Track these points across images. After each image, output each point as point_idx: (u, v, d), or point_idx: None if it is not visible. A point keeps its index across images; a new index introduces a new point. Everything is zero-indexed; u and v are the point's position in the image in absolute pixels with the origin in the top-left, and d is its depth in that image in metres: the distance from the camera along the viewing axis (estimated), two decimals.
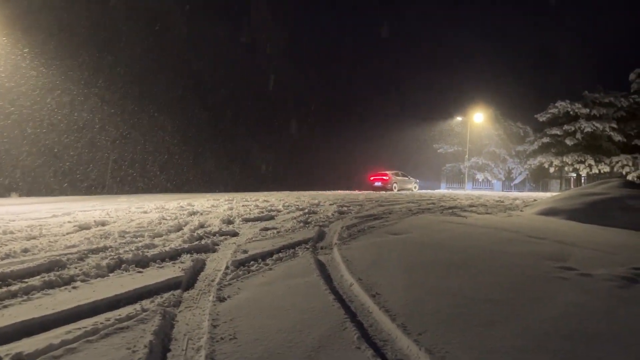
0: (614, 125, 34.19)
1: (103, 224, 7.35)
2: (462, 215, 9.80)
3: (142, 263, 4.44)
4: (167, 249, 5.10)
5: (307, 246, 5.60)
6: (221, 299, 3.36)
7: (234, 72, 37.03)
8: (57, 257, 4.47)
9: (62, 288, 3.56)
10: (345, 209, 10.78)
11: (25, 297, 3.30)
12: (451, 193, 25.99)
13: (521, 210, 11.71)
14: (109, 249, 5.12)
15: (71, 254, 4.75)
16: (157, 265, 4.46)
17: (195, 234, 6.12)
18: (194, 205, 11.13)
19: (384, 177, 31.27)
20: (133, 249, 5.11)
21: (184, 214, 8.93)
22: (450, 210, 11.03)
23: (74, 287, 3.59)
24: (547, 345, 2.67)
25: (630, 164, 33.37)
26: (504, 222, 8.81)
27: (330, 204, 12.20)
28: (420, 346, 2.54)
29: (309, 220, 8.19)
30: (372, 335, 2.79)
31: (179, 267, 4.30)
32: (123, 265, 4.31)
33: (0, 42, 18.84)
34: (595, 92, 35.83)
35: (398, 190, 30.21)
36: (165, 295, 3.48)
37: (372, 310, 3.20)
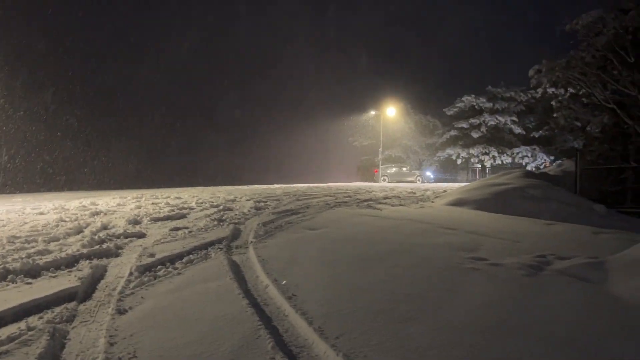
0: (515, 119, 36.82)
1: None
2: (377, 208, 9.93)
3: (32, 272, 3.97)
4: (63, 255, 4.62)
5: (221, 246, 5.33)
6: (122, 311, 3.04)
7: (140, 68, 35.38)
8: None
9: None
10: (262, 204, 10.54)
11: None
12: (366, 185, 26.51)
13: (432, 202, 12.11)
14: None
15: None
16: (50, 274, 4.01)
17: (96, 237, 5.62)
18: (98, 205, 10.35)
19: (375, 170, 35.14)
20: (23, 256, 4.58)
21: (85, 215, 8.24)
22: (366, 203, 11.15)
23: None
24: (463, 340, 2.65)
25: (530, 154, 36.07)
26: (417, 214, 9.01)
27: (246, 200, 11.89)
28: (338, 351, 2.41)
29: (223, 217, 7.87)
30: (288, 342, 2.63)
31: (76, 276, 3.89)
32: (9, 276, 3.82)
33: None
34: (498, 87, 38.29)
35: (389, 182, 31.76)
36: (57, 309, 3.09)
37: (288, 314, 3.04)
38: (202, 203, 10.71)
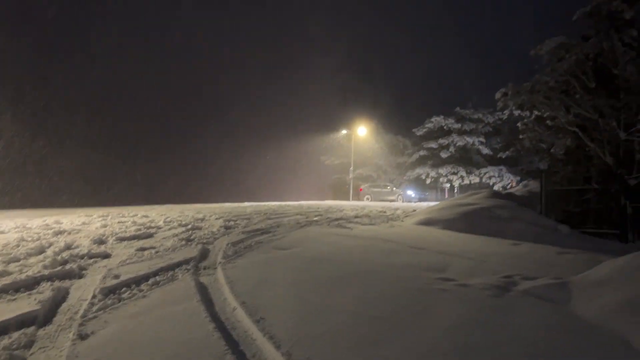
0: (482, 140, 37.76)
1: None
2: (348, 227, 9.96)
3: None
4: (23, 276, 4.47)
5: (189, 267, 5.24)
6: (83, 336, 2.94)
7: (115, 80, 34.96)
8: None
9: None
10: (232, 223, 10.44)
11: None
12: (337, 204, 26.55)
13: (402, 221, 12.21)
14: None
15: None
16: (8, 297, 3.86)
17: (59, 258, 5.45)
18: (62, 223, 10.06)
19: (360, 189, 35.24)
20: None
21: (48, 234, 7.99)
22: (337, 222, 11.16)
23: None
24: None
25: (497, 175, 36.92)
26: (387, 233, 9.08)
27: (216, 218, 11.75)
28: None
29: (192, 237, 7.75)
30: None
31: (36, 299, 3.75)
32: None
33: None
34: (466, 109, 39.25)
35: (372, 201, 32.23)
36: (15, 334, 2.98)
37: (255, 338, 3.00)
38: (170, 222, 10.53)
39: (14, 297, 3.86)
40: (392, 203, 29.48)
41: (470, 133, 38.34)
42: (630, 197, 11.07)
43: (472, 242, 8.38)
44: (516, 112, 15.51)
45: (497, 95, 13.72)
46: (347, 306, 3.73)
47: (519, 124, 15.82)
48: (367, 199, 33.28)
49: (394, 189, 35.35)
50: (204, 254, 6.15)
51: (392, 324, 3.33)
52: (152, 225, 9.72)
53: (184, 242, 7.10)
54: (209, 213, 14.00)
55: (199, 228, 9.34)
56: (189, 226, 9.53)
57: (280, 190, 39.64)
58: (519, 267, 6.02)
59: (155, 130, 40.36)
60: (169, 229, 9.07)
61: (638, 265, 4.43)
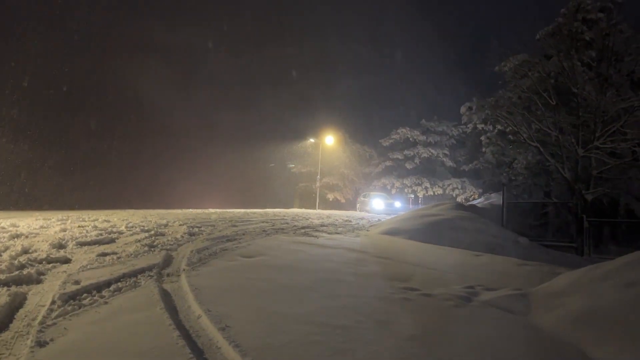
0: (447, 152, 38.59)
1: None
2: (314, 236, 9.98)
3: None
4: None
5: (152, 273, 5.14)
6: (42, 344, 2.85)
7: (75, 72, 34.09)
8: None
9: None
10: (196, 229, 10.29)
11: None
12: (304, 212, 26.53)
13: (367, 230, 12.32)
14: None
15: None
16: None
17: (16, 262, 5.26)
18: (18, 226, 9.71)
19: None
20: None
21: (4, 237, 7.70)
22: (303, 230, 11.17)
23: None
24: None
25: (460, 187, 37.73)
26: (353, 242, 9.15)
27: (180, 225, 11.56)
28: None
29: (155, 243, 7.61)
30: None
31: None
32: None
33: None
34: (431, 121, 40.06)
35: (360, 211, 30.60)
36: None
37: (220, 346, 2.98)
38: (132, 227, 10.31)
39: None
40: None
41: (435, 145, 39.12)
42: (587, 211, 11.51)
43: (435, 253, 8.54)
44: (480, 126, 16.00)
45: (462, 109, 14.15)
46: (312, 315, 3.75)
47: (482, 138, 16.28)
48: (358, 207, 32.12)
49: (377, 199, 32.03)
50: (167, 261, 6.06)
51: (357, 333, 3.36)
52: (114, 230, 9.48)
53: (146, 248, 6.96)
54: (173, 219, 13.76)
55: (163, 234, 9.18)
56: (152, 232, 9.34)
57: (246, 198, 39.24)
58: (481, 278, 6.18)
59: (123, 136, 39.42)
60: (131, 235, 8.87)
61: (592, 278, 4.62)
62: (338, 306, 4.13)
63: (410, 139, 39.84)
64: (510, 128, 13.75)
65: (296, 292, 4.57)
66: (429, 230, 10.83)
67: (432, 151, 38.56)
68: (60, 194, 30.16)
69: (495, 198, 17.35)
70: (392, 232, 11.14)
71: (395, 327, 3.58)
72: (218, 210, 24.62)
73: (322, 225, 13.40)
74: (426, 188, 38.76)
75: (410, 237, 10.52)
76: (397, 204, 32.87)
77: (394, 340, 3.27)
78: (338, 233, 11.07)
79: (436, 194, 38.52)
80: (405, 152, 39.37)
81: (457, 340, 3.42)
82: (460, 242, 10.09)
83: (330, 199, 42.50)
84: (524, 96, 13.14)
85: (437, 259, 7.68)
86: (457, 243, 9.96)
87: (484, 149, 16.48)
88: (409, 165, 39.00)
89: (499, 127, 14.69)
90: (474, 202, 20.24)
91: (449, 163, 39.10)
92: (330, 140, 40.11)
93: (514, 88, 13.46)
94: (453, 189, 38.24)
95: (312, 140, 42.06)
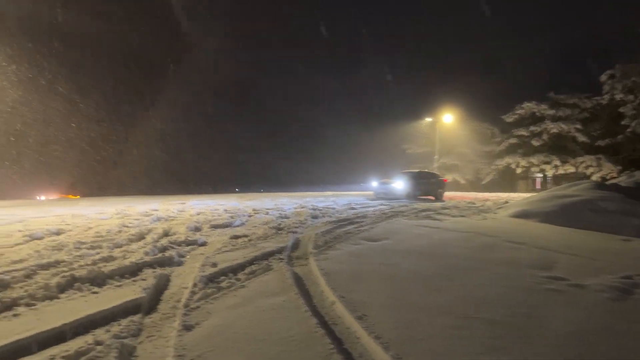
0: (579, 127, 35.10)
1: (57, 233, 6.77)
2: (437, 219, 9.58)
3: (97, 281, 3.96)
4: (127, 262, 4.62)
5: (282, 256, 5.20)
6: (188, 327, 2.92)
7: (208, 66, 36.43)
8: (0, 275, 3.94)
9: (1, 316, 3.07)
10: (317, 212, 10.42)
11: None
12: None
13: (495, 213, 11.60)
14: (62, 264, 4.59)
15: (16, 270, 4.22)
16: (115, 283, 3.99)
17: (158, 244, 5.64)
18: (158, 210, 10.55)
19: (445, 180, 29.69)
20: (89, 263, 4.62)
21: (146, 220, 8.37)
22: (424, 214, 10.80)
23: (15, 315, 3.10)
24: None
25: (594, 164, 34.25)
26: (481, 226, 8.62)
27: (301, 208, 11.82)
28: None
29: (281, 225, 7.79)
30: None
31: (140, 286, 3.84)
32: (76, 284, 3.82)
33: None
34: (561, 94, 36.71)
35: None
36: (123, 322, 3.02)
37: (359, 336, 2.84)
38: (258, 210, 10.71)
39: (120, 284, 3.97)
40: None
41: (565, 119, 35.82)
42: None
43: (576, 238, 7.73)
44: (618, 97, 14.12)
45: (603, 77, 12.63)
46: (450, 306, 3.48)
47: (621, 109, 14.39)
48: None
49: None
50: (294, 244, 6.12)
51: (506, 328, 3.04)
52: (242, 213, 9.91)
53: (274, 231, 7.13)
54: (293, 202, 14.13)
55: (287, 217, 9.39)
56: (277, 214, 9.61)
57: (359, 181, 39.32)
58: (635, 266, 5.42)
59: (239, 121, 41.78)
60: (259, 217, 9.19)
61: None
62: (477, 296, 3.81)
63: (537, 114, 36.89)
64: None
65: (428, 280, 4.31)
66: (565, 213, 9.86)
67: (562, 126, 35.31)
68: (188, 181, 32.66)
69: None
70: (523, 215, 10.36)
71: (548, 322, 3.19)
72: (335, 192, 24.94)
73: (443, 208, 12.88)
74: (556, 166, 35.73)
75: (544, 220, 9.68)
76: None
77: (550, 337, 2.90)
78: (463, 216, 10.53)
79: (567, 172, 35.38)
80: (532, 128, 36.60)
81: (625, 340, 2.95)
82: (603, 225, 9.04)
83: (449, 180, 41.13)
84: None
85: (579, 245, 6.91)
86: (599, 227, 8.93)
87: (624, 122, 14.62)
88: (535, 142, 36.19)
89: None
90: (616, 181, 18.20)
91: (582, 138, 35.53)
92: (448, 118, 38.50)
93: None
94: (587, 167, 34.80)
95: (428, 119, 40.79)
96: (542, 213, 10.04)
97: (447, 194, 25.27)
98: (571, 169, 35.40)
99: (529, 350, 2.69)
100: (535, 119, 37.15)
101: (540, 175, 37.64)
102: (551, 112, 36.15)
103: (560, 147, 36.30)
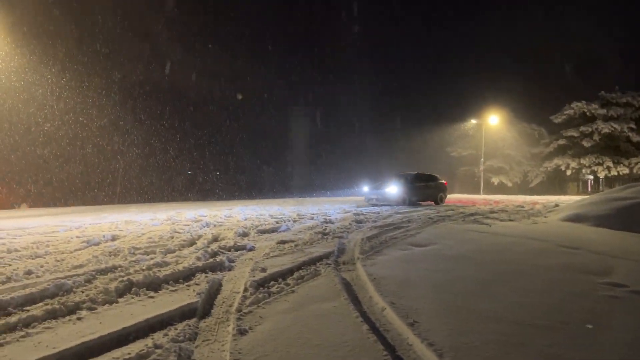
0: (632, 126, 33.62)
1: (113, 238, 7.04)
2: (485, 223, 9.39)
3: (153, 285, 4.10)
4: (180, 267, 4.76)
5: (329, 262, 5.23)
6: (242, 332, 2.98)
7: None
8: (62, 280, 4.13)
9: (66, 319, 3.22)
10: (362, 217, 10.41)
11: (24, 332, 2.95)
12: (467, 198, 25.33)
13: (545, 217, 11.26)
14: (118, 269, 4.78)
15: (77, 275, 4.43)
16: (169, 287, 4.11)
17: (209, 250, 5.78)
18: (206, 216, 10.80)
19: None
20: (144, 268, 4.78)
21: (196, 226, 8.58)
22: (472, 217, 10.61)
23: (79, 318, 3.25)
24: None
25: None
26: (530, 230, 8.39)
27: (345, 212, 11.83)
28: None
29: (326, 230, 7.82)
30: None
31: (194, 290, 3.95)
32: (133, 289, 3.96)
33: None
34: (612, 93, 35.26)
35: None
36: (180, 326, 3.11)
37: (412, 343, 2.82)
38: (302, 216, 10.79)
39: (175, 288, 4.10)
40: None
41: (617, 119, 34.35)
42: None
43: (633, 242, 7.41)
44: None
45: None
46: (504, 312, 3.40)
47: None
48: None
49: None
50: (341, 249, 6.13)
51: (564, 336, 2.95)
52: (287, 218, 10.01)
53: (319, 236, 7.18)
54: (337, 207, 14.15)
55: (331, 222, 9.42)
56: (321, 219, 9.65)
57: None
58: None
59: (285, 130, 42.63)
60: (303, 222, 9.27)
61: None
62: (531, 303, 3.71)
63: (587, 114, 35.55)
64: None
65: (479, 286, 4.23)
66: (621, 216, 9.46)
67: (615, 126, 33.86)
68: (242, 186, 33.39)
69: None
70: (574, 219, 10.01)
71: (610, 331, 3.07)
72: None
73: (491, 212, 12.62)
74: (608, 168, 34.28)
75: (598, 223, 9.32)
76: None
77: (610, 345, 2.80)
78: (511, 220, 10.29)
79: (621, 173, 33.88)
80: (582, 128, 35.29)
81: None
82: None
83: (495, 183, 40.18)
84: None
85: (637, 249, 6.63)
86: None
87: None
88: (586, 143, 34.85)
89: None
90: None
91: (636, 138, 33.96)
92: (494, 120, 37.64)
93: None
94: None
95: (473, 121, 39.99)
96: (596, 216, 9.68)
97: (496, 198, 24.76)
98: (625, 170, 33.87)
99: (592, 358, 2.61)
100: (586, 119, 35.81)
101: (592, 177, 36.21)
102: (602, 111, 34.74)
103: (612, 147, 34.82)
